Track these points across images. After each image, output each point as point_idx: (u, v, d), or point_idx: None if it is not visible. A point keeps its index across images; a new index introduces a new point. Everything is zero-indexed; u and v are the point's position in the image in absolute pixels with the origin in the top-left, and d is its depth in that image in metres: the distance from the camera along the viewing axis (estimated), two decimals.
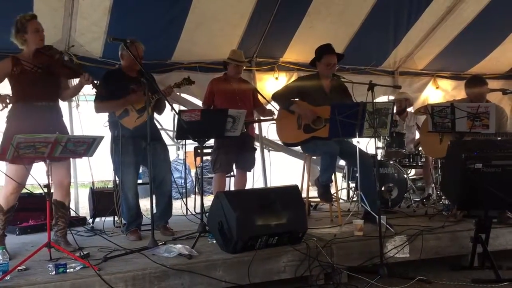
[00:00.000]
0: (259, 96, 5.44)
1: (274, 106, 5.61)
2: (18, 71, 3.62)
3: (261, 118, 5.54)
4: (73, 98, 5.34)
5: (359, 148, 4.29)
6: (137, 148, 4.18)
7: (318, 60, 4.74)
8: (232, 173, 5.46)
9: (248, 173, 5.29)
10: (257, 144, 6.70)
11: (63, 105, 5.60)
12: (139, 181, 4.91)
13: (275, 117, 5.05)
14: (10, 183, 3.55)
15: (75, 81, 4.19)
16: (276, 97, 4.87)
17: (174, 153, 9.70)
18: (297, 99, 4.75)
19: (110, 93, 4.22)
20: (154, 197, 4.03)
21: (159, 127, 5.05)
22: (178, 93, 6.00)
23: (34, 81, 3.63)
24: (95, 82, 3.84)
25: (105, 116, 4.39)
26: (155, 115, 4.54)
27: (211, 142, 5.06)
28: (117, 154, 4.21)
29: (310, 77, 4.91)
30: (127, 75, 4.30)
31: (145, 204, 4.39)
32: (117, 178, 4.37)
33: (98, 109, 4.31)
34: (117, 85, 4.21)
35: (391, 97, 7.02)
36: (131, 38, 4.14)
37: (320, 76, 4.79)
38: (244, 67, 5.45)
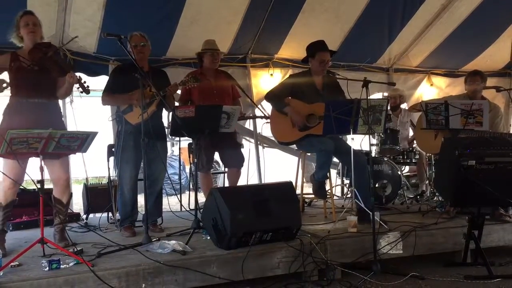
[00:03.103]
0: (240, 91, 5.17)
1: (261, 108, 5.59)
2: (16, 67, 3.62)
3: (255, 115, 5.45)
4: None
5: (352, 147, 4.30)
6: (139, 144, 4.13)
7: (312, 57, 4.72)
8: (220, 170, 5.37)
9: (242, 169, 5.22)
10: (251, 140, 6.72)
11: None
12: None
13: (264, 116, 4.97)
14: (7, 178, 3.53)
15: None
16: (269, 97, 4.83)
17: (168, 149, 9.67)
18: (290, 98, 4.72)
19: (117, 87, 4.21)
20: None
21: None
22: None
23: (29, 78, 3.61)
24: (84, 82, 3.69)
25: (107, 110, 4.34)
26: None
27: None
28: (118, 149, 4.21)
29: (302, 74, 4.89)
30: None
31: (139, 200, 4.39)
32: (112, 174, 4.34)
33: (104, 102, 4.37)
34: (126, 79, 4.09)
35: (386, 94, 7.04)
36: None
37: (312, 73, 4.77)
38: (222, 56, 5.14)
